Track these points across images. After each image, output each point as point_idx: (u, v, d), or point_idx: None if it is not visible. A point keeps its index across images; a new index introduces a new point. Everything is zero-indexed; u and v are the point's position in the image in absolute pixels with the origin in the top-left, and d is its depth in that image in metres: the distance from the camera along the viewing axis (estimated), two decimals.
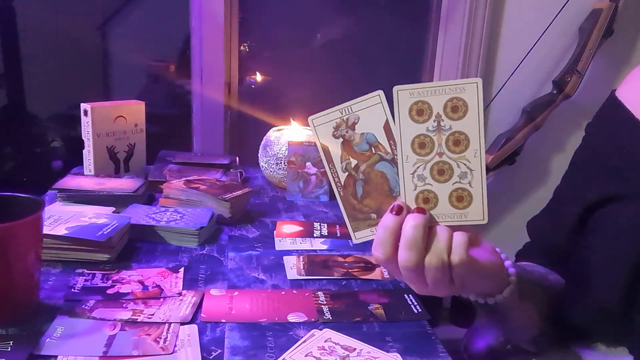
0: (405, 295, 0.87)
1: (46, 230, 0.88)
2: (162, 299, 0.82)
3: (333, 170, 0.63)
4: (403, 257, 0.57)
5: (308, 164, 1.30)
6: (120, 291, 0.83)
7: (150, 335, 0.72)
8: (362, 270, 0.95)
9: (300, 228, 1.14)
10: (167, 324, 0.74)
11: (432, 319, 0.81)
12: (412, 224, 0.57)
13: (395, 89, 0.58)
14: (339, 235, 1.11)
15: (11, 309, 0.73)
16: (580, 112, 1.81)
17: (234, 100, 1.87)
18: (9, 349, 0.67)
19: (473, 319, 2.00)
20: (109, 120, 1.32)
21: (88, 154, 1.31)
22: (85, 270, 0.89)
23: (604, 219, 0.71)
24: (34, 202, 0.76)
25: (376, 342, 0.73)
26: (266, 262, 0.97)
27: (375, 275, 0.94)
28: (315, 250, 1.03)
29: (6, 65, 1.88)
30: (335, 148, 0.62)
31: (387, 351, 0.71)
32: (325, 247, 1.05)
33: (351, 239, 0.66)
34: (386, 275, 0.94)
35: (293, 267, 0.95)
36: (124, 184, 1.20)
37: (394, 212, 0.58)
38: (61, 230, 0.91)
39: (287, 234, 1.10)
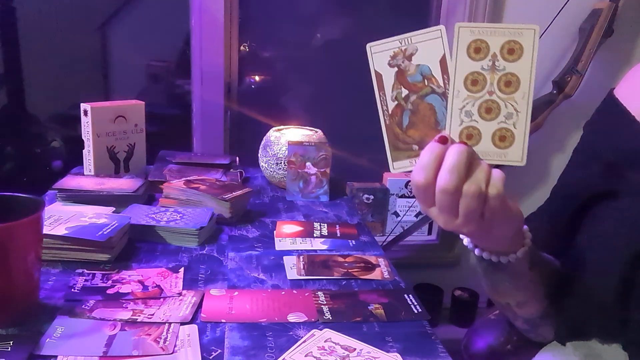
0: (405, 295, 0.87)
1: (46, 230, 0.88)
2: (162, 299, 0.82)
3: (382, 98, 0.64)
4: (444, 180, 0.58)
5: (308, 164, 1.31)
6: (120, 291, 0.83)
7: (150, 335, 0.72)
8: (362, 270, 0.95)
9: (300, 228, 1.14)
10: (167, 324, 0.75)
11: (432, 319, 0.81)
12: (456, 150, 0.58)
13: (457, 25, 0.60)
14: (339, 235, 1.11)
15: (11, 309, 0.73)
16: (580, 112, 1.79)
17: (233, 100, 1.88)
18: (9, 349, 0.67)
19: (473, 319, 2.00)
20: (109, 120, 1.32)
21: (88, 154, 1.31)
22: (85, 270, 0.89)
23: (599, 216, 0.71)
24: (34, 202, 0.76)
25: (376, 342, 0.73)
26: (266, 262, 0.97)
27: (375, 275, 0.94)
28: (315, 250, 1.04)
29: (6, 65, 1.88)
30: (389, 76, 0.63)
31: (387, 351, 0.71)
32: (325, 247, 1.05)
33: (390, 167, 0.66)
34: (386, 275, 0.94)
35: (293, 267, 0.95)
36: (124, 184, 1.20)
37: (438, 141, 0.60)
38: (61, 230, 0.91)
39: (287, 234, 1.10)
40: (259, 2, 1.89)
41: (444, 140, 0.59)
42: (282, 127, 1.46)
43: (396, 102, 0.63)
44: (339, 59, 2.00)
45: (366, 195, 1.93)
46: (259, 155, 1.42)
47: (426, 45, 0.61)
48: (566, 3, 1.76)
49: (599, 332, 0.72)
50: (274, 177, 1.38)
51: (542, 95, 1.86)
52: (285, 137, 1.37)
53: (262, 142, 1.41)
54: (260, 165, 1.42)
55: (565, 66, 1.82)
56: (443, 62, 0.61)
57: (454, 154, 0.58)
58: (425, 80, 0.62)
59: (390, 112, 0.63)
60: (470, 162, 0.58)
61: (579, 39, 1.82)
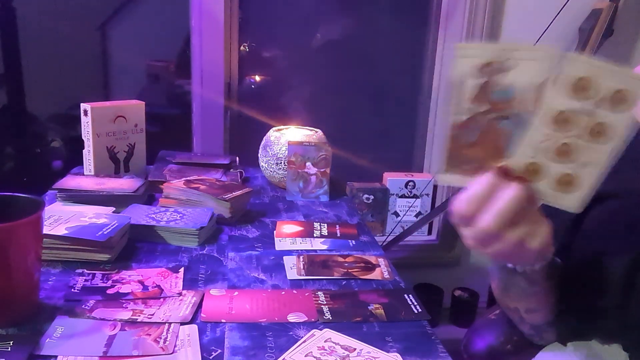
0: (405, 295, 0.87)
1: (46, 230, 0.88)
2: (162, 299, 0.82)
3: (457, 106, 0.56)
4: (486, 223, 0.54)
5: (308, 164, 1.30)
6: (120, 291, 0.83)
7: (150, 335, 0.72)
8: (362, 270, 0.95)
9: (300, 228, 1.14)
10: (167, 324, 0.75)
11: (432, 319, 0.81)
12: (512, 195, 0.54)
13: (569, 54, 0.52)
14: (339, 235, 1.11)
15: (11, 309, 0.73)
16: None
17: (233, 100, 1.88)
18: (9, 349, 0.67)
19: (473, 319, 2.00)
20: (109, 120, 1.32)
21: (88, 154, 1.31)
22: (85, 270, 0.89)
23: (601, 217, 0.71)
24: (34, 202, 0.76)
25: (376, 342, 0.73)
26: (266, 262, 0.97)
27: (375, 275, 0.94)
28: (315, 250, 1.03)
29: (6, 65, 1.88)
30: (472, 86, 0.55)
31: (387, 351, 0.71)
32: (325, 247, 1.05)
33: (435, 176, 0.62)
34: (386, 275, 0.94)
35: (293, 267, 0.95)
36: (124, 184, 1.20)
37: (498, 172, 0.55)
38: (61, 230, 0.91)
39: (287, 234, 1.10)
40: (259, 2, 1.89)
41: (504, 173, 0.55)
42: (282, 127, 1.46)
43: (469, 116, 0.56)
44: (339, 59, 2.00)
45: (366, 195, 1.92)
46: (259, 155, 1.42)
47: (528, 64, 0.53)
48: (566, 3, 1.76)
49: (599, 332, 0.72)
50: (274, 177, 1.38)
51: None
52: (285, 137, 1.37)
53: (262, 142, 1.41)
54: (260, 165, 1.42)
55: None
56: (539, 89, 0.53)
57: (507, 199, 0.54)
58: (512, 102, 0.54)
59: (459, 123, 0.57)
60: (524, 206, 0.54)
61: (579, 39, 1.82)
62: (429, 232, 2.09)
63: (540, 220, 0.57)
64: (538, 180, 0.55)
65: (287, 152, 1.32)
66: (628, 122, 0.52)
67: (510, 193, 0.54)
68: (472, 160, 0.57)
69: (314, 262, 0.97)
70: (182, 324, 0.75)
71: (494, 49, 0.54)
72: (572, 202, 0.56)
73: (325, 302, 0.83)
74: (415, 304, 0.85)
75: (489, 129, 0.56)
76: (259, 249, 1.03)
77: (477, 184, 0.55)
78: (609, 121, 0.52)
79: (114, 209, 1.07)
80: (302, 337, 0.73)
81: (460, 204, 0.56)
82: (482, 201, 0.55)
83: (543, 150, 0.54)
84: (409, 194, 1.97)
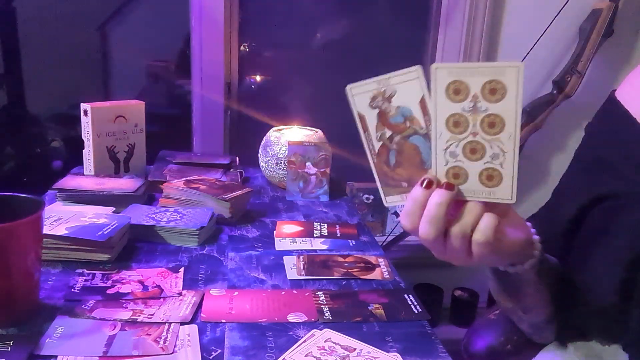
0: (405, 295, 0.87)
1: (46, 230, 0.88)
2: (162, 299, 0.82)
3: (368, 138, 0.64)
4: (423, 231, 0.59)
5: (308, 164, 1.30)
6: (120, 291, 0.83)
7: (150, 335, 0.72)
8: (362, 270, 0.95)
9: (300, 228, 1.14)
10: (167, 324, 0.75)
11: (432, 319, 0.81)
12: (436, 201, 0.58)
13: (433, 66, 0.57)
14: (339, 235, 1.11)
15: (11, 309, 0.73)
16: (580, 112, 1.80)
17: (234, 100, 1.88)
18: (9, 349, 0.67)
19: (473, 319, 2.00)
20: (109, 120, 1.32)
21: (88, 154, 1.31)
22: (85, 270, 0.89)
23: (601, 217, 0.71)
24: (34, 202, 0.76)
25: (376, 342, 0.73)
26: (266, 262, 0.97)
27: (375, 275, 0.94)
28: (315, 250, 1.03)
29: (6, 65, 1.88)
30: (371, 118, 0.63)
31: (387, 351, 0.71)
32: (325, 247, 1.05)
33: (383, 202, 0.66)
34: (386, 275, 0.94)
35: (293, 267, 0.95)
36: (124, 184, 1.20)
37: (423, 186, 0.60)
38: (61, 230, 0.91)
39: (287, 234, 1.10)
40: (259, 2, 1.89)
41: (429, 184, 0.59)
42: (282, 127, 1.46)
43: (381, 143, 0.63)
44: (338, 59, 2.00)
45: (366, 195, 1.93)
46: (259, 155, 1.42)
47: (405, 87, 0.60)
48: (566, 3, 1.76)
49: (599, 333, 0.72)
50: (274, 177, 1.38)
51: (542, 95, 1.86)
52: (285, 137, 1.37)
53: (262, 142, 1.41)
54: (260, 165, 1.42)
55: (565, 66, 1.82)
56: (423, 104, 0.60)
57: (433, 206, 0.58)
58: (407, 122, 0.61)
59: (377, 151, 0.64)
60: (462, 205, 0.59)
61: (579, 39, 1.82)
62: None
63: (481, 214, 0.59)
64: (464, 181, 0.60)
65: (287, 152, 1.32)
66: (511, 106, 0.56)
67: (435, 199, 0.59)
68: (402, 180, 0.63)
69: (314, 262, 0.97)
70: (182, 324, 0.75)
71: (374, 82, 0.61)
72: (505, 193, 0.59)
73: (325, 302, 0.83)
74: (415, 304, 0.85)
75: (402, 149, 0.62)
76: (259, 249, 1.03)
77: (409, 200, 0.61)
78: (493, 111, 0.57)
79: (114, 209, 1.07)
80: (302, 337, 0.73)
81: (403, 220, 0.61)
82: (418, 213, 0.60)
83: (453, 154, 0.60)
84: None
